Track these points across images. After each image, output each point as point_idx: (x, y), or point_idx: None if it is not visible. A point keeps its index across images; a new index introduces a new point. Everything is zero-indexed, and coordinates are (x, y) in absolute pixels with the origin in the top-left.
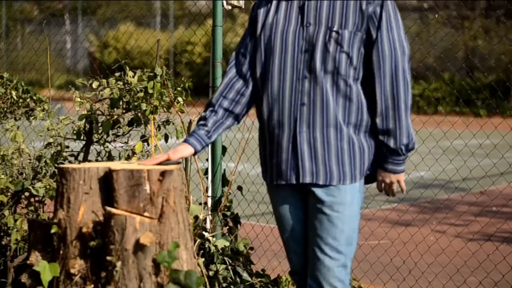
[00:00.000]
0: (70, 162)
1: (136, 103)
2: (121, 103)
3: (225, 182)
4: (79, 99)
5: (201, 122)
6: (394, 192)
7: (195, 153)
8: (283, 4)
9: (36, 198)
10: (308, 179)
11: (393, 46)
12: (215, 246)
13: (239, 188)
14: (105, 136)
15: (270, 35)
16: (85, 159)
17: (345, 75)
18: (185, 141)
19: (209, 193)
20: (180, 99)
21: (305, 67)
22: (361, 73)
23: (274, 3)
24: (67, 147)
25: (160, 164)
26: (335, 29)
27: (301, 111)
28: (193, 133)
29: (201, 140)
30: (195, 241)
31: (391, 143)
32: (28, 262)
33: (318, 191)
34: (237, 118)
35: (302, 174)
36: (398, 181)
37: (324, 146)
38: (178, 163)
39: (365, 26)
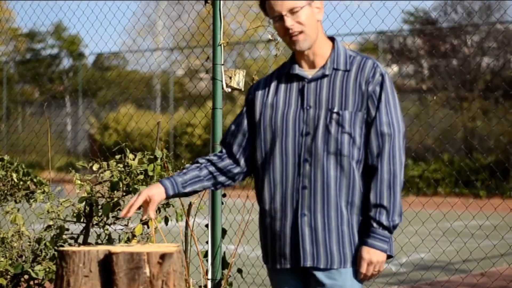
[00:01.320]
0: (70, 244)
1: (136, 186)
2: (121, 185)
3: (225, 264)
4: (79, 182)
5: (182, 171)
6: (370, 277)
7: (166, 197)
8: (282, 86)
9: (36, 281)
10: (309, 263)
11: (391, 126)
12: None
13: (239, 271)
14: (105, 219)
15: (270, 119)
16: (85, 242)
17: (349, 155)
18: (160, 181)
19: (209, 276)
20: None
21: (306, 150)
22: (363, 154)
23: (272, 85)
24: (67, 229)
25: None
26: (335, 110)
27: (303, 194)
28: (170, 177)
29: (175, 186)
30: None
31: (384, 219)
32: None
33: (319, 275)
34: (216, 185)
35: (303, 257)
36: (381, 264)
37: (325, 230)
38: (177, 245)
39: (365, 105)
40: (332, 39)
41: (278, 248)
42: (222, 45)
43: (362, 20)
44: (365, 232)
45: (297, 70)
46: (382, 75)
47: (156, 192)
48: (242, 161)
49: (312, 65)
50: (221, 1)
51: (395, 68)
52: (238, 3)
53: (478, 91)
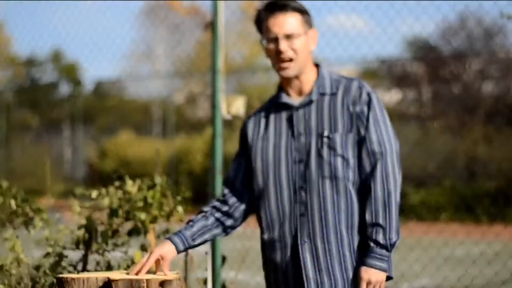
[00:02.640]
0: (69, 271)
1: (135, 213)
2: (120, 212)
3: None
4: (78, 209)
5: (189, 224)
6: None
7: (178, 252)
8: (272, 117)
9: None
10: None
11: (382, 145)
12: None
13: None
14: (104, 246)
15: (262, 151)
16: (84, 269)
17: (343, 178)
18: (169, 238)
19: None
20: (179, 208)
21: (300, 178)
22: (359, 174)
23: (263, 117)
24: (66, 256)
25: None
26: (325, 134)
27: (301, 221)
28: (179, 232)
29: (185, 240)
30: None
31: (380, 238)
32: None
33: None
34: (226, 230)
35: (306, 285)
36: (381, 284)
37: (326, 255)
38: (177, 273)
39: (355, 126)
40: (316, 65)
41: (282, 277)
42: (221, 71)
43: (362, 46)
44: (363, 252)
45: (284, 98)
46: (368, 94)
47: (167, 251)
48: (246, 196)
49: (299, 93)
50: (221, 28)
51: (395, 94)
52: (237, 29)
53: (479, 117)
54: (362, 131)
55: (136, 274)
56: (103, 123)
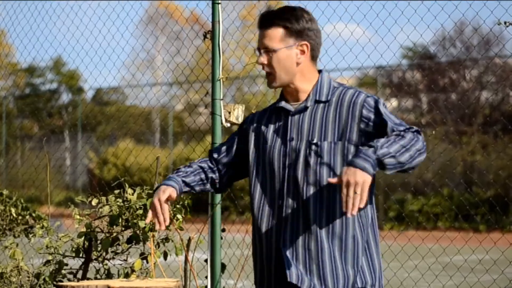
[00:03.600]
0: (69, 279)
1: (135, 221)
2: (120, 220)
3: None
4: (78, 217)
5: (175, 172)
6: (355, 203)
7: (180, 193)
8: (272, 120)
9: None
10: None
11: (400, 125)
12: None
13: None
14: (104, 254)
15: (258, 152)
16: (84, 277)
17: (328, 186)
18: (163, 184)
19: None
20: (179, 216)
21: (287, 182)
22: None
23: (264, 119)
24: (66, 264)
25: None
26: (314, 141)
27: (285, 226)
28: (169, 178)
29: (179, 182)
30: None
31: (373, 143)
32: None
33: None
34: (210, 181)
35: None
36: (363, 185)
37: (306, 261)
38: (177, 281)
39: (357, 133)
40: (320, 71)
41: (267, 277)
42: (221, 80)
43: (360, 55)
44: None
45: (282, 103)
46: (365, 98)
47: (171, 190)
48: (231, 168)
49: (296, 99)
50: (220, 36)
51: (394, 102)
52: (237, 38)
53: (477, 125)
54: (371, 129)
55: (162, 227)
56: (103, 131)
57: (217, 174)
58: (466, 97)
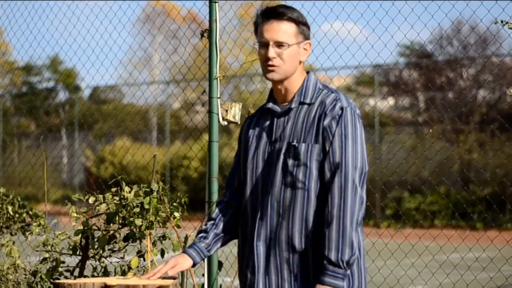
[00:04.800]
0: (65, 277)
1: (132, 219)
2: (117, 218)
3: None
4: (75, 214)
5: (202, 235)
6: None
7: (194, 265)
8: (260, 121)
9: None
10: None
11: (344, 158)
12: None
13: None
14: (101, 251)
15: (246, 153)
16: (81, 275)
17: (303, 188)
18: (185, 252)
19: None
20: (176, 214)
21: (268, 183)
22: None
23: (254, 121)
24: (63, 262)
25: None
26: (293, 143)
27: (260, 225)
28: (193, 245)
29: (200, 253)
30: None
31: (333, 256)
32: None
33: None
34: (238, 231)
35: (256, 284)
36: None
37: (276, 260)
38: (174, 278)
39: (321, 138)
40: (307, 73)
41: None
42: (218, 78)
43: (358, 54)
44: (320, 268)
45: (270, 104)
46: (341, 109)
47: (183, 261)
48: None
49: (283, 100)
50: (217, 35)
51: (391, 101)
52: (234, 36)
53: (474, 124)
54: (327, 145)
55: (149, 277)
56: (100, 130)
57: (234, 203)
58: (463, 95)
